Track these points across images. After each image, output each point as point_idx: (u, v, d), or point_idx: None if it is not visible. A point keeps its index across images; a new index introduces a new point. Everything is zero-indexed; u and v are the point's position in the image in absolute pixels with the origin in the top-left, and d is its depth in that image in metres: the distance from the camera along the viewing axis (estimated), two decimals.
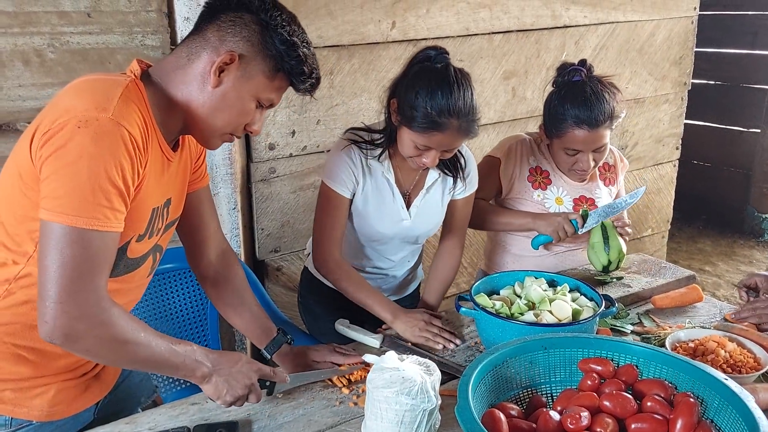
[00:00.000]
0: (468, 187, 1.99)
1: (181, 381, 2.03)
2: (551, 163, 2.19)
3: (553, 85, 2.09)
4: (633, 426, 1.24)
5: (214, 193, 2.37)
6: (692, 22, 3.70)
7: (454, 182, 1.96)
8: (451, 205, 2.00)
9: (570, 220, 2.07)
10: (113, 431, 1.39)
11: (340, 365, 1.60)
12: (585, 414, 1.23)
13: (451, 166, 1.92)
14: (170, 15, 2.16)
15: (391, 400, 1.23)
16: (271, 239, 2.57)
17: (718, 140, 5.64)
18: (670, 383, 1.32)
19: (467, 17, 2.83)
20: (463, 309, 1.74)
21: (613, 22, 3.36)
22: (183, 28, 2.15)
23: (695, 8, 3.68)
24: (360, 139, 1.84)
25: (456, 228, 2.05)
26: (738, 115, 5.44)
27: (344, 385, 1.55)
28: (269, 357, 1.61)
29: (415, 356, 1.33)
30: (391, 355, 1.29)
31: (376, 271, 2.03)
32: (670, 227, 5.30)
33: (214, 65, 1.25)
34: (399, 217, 1.91)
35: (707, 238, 5.37)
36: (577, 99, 1.97)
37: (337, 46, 2.54)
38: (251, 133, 1.37)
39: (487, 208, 2.20)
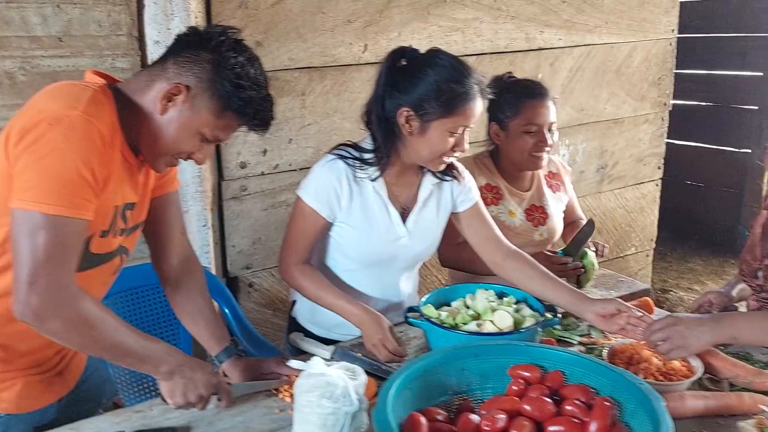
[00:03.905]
0: (471, 193, 1.94)
1: (141, 386, 2.07)
2: (498, 178, 2.28)
3: (494, 89, 2.18)
4: (550, 429, 1.27)
5: (184, 210, 2.43)
6: (671, 44, 3.76)
7: (451, 189, 1.92)
8: (471, 218, 1.93)
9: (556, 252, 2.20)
10: None
11: (287, 376, 1.65)
12: (502, 416, 1.27)
13: (445, 170, 1.88)
14: (141, 38, 2.25)
15: (313, 404, 1.28)
16: (242, 256, 2.63)
17: (709, 160, 5.66)
18: (593, 388, 1.35)
19: (439, 40, 2.90)
20: (412, 320, 1.79)
21: (588, 45, 3.42)
22: (153, 51, 2.23)
23: (673, 30, 3.74)
24: (349, 156, 1.80)
25: (501, 244, 1.92)
26: (729, 135, 5.46)
27: (289, 395, 1.59)
28: (218, 365, 1.66)
29: (343, 362, 1.38)
30: (317, 360, 1.33)
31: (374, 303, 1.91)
32: (661, 247, 5.35)
33: (162, 93, 1.34)
34: (395, 234, 1.85)
35: (698, 258, 5.36)
36: (521, 83, 2.24)
37: (309, 68, 2.62)
38: (195, 161, 1.45)
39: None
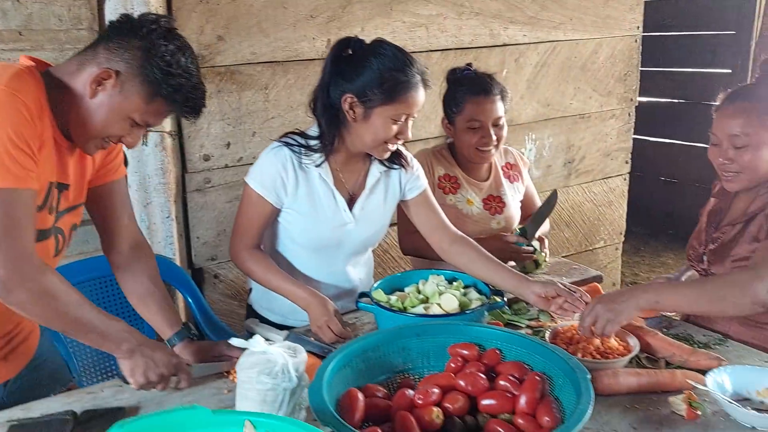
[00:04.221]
0: (419, 181, 1.99)
1: (100, 371, 2.10)
2: (456, 168, 2.34)
3: (447, 83, 2.31)
4: (483, 402, 1.32)
5: (147, 202, 2.48)
6: (636, 41, 3.82)
7: (400, 176, 1.96)
8: (418, 205, 1.99)
9: (516, 243, 2.23)
10: (9, 416, 1.46)
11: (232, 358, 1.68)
12: (435, 390, 1.32)
13: (392, 157, 1.93)
14: (101, 32, 2.27)
15: (253, 380, 1.31)
16: (207, 247, 2.66)
17: (682, 156, 5.76)
18: (527, 365, 1.40)
19: (403, 35, 2.95)
20: (361, 304, 1.84)
21: (553, 41, 3.48)
22: None
23: (638, 27, 3.80)
24: (295, 143, 1.85)
25: (448, 230, 1.97)
26: (700, 131, 5.49)
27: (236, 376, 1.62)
28: (171, 348, 1.69)
29: (286, 342, 1.42)
30: (258, 339, 1.37)
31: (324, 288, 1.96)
32: (634, 242, 5.43)
33: (92, 77, 1.38)
34: (342, 220, 1.90)
35: (670, 252, 5.45)
36: (470, 79, 2.28)
37: (272, 62, 2.65)
38: (126, 145, 1.49)
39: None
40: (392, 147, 1.83)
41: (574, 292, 1.78)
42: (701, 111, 5.58)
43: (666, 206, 5.85)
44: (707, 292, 1.64)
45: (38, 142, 1.34)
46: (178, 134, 2.51)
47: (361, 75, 1.73)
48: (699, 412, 1.40)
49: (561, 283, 1.80)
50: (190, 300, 2.33)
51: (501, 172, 2.41)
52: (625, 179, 4.12)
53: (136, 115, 1.42)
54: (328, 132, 1.81)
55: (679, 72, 5.70)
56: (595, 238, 4.06)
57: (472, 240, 1.96)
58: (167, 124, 2.43)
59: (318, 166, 1.84)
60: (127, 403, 1.51)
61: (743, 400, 1.44)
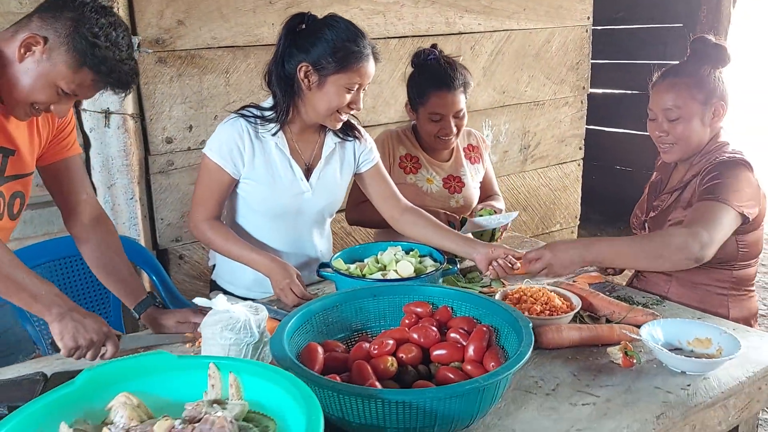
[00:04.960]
0: (371, 154, 2.08)
1: None
2: (419, 149, 2.43)
3: (412, 67, 2.38)
4: (435, 353, 1.41)
5: (111, 184, 2.52)
6: (587, 31, 3.97)
7: (354, 149, 2.05)
8: (372, 177, 2.08)
9: (449, 222, 2.26)
10: None
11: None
12: (390, 341, 1.40)
13: (346, 129, 2.02)
14: None
15: (216, 336, 1.39)
16: (171, 228, 2.71)
17: (636, 145, 5.96)
18: (476, 319, 1.50)
19: (361, 22, 2.97)
20: (322, 272, 1.92)
21: (507, 30, 3.60)
22: None
23: (589, 18, 3.95)
24: (250, 114, 1.91)
25: (399, 201, 2.07)
26: None
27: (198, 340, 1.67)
28: (138, 317, 1.75)
29: (249, 302, 1.49)
30: (221, 298, 1.44)
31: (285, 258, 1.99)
32: (591, 228, 5.60)
33: (20, 42, 1.43)
34: (299, 189, 1.96)
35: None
36: (435, 69, 2.30)
37: (232, 46, 2.71)
38: (55, 114, 1.53)
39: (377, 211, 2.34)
40: (344, 117, 1.92)
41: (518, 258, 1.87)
42: None
43: (620, 194, 6.03)
44: (645, 250, 1.77)
45: None
46: (141, 117, 2.55)
47: (316, 45, 1.81)
48: (634, 360, 1.52)
49: (509, 249, 1.90)
50: (155, 279, 2.38)
51: (462, 153, 2.51)
52: (579, 165, 4.27)
53: (63, 83, 1.46)
54: (283, 101, 1.89)
55: (631, 64, 5.90)
56: (551, 222, 4.20)
57: (421, 210, 2.07)
58: (129, 106, 2.47)
59: (274, 134, 1.91)
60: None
61: (675, 350, 1.56)
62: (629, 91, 5.99)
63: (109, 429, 1.00)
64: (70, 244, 2.26)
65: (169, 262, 2.74)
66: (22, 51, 1.43)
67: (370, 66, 1.86)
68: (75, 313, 1.49)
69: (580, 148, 4.24)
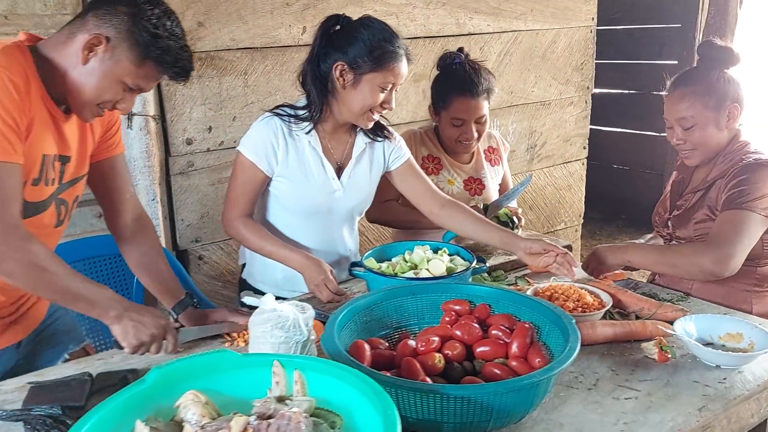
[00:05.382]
0: (401, 151, 2.10)
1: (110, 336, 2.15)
2: (440, 150, 2.46)
3: (437, 69, 2.39)
4: (478, 350, 1.44)
5: (133, 185, 2.52)
6: (591, 31, 4.02)
7: (383, 148, 2.07)
8: (404, 174, 2.10)
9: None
10: (21, 383, 1.51)
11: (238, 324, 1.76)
12: (436, 339, 1.43)
13: (376, 129, 2.05)
14: None
15: (267, 334, 1.41)
16: (191, 229, 2.72)
17: (633, 145, 6.03)
18: (515, 316, 1.53)
19: None
20: (355, 271, 1.95)
21: (515, 31, 3.64)
22: None
23: (593, 18, 4.00)
24: (284, 113, 1.94)
25: (436, 195, 2.09)
26: (650, 120, 5.81)
27: (245, 342, 1.70)
28: (175, 317, 1.77)
29: (294, 301, 1.51)
30: (269, 297, 1.46)
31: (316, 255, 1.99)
32: (591, 227, 5.66)
33: (83, 44, 1.43)
34: (331, 188, 1.98)
35: (626, 236, 5.70)
36: (459, 75, 2.31)
37: (250, 48, 2.73)
38: (120, 111, 1.56)
39: (399, 210, 2.38)
40: (376, 116, 1.94)
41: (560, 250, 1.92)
42: (650, 101, 5.86)
43: (619, 192, 6.12)
44: (665, 259, 1.93)
45: (26, 119, 1.39)
46: (161, 118, 2.57)
47: (352, 44, 1.84)
48: (669, 355, 1.55)
49: (546, 240, 1.95)
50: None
51: (483, 156, 2.54)
52: (583, 164, 4.32)
53: (128, 78, 1.47)
54: (318, 100, 1.91)
55: (629, 64, 5.96)
56: (556, 221, 4.25)
57: (460, 202, 2.10)
58: (150, 107, 2.48)
59: (307, 133, 1.94)
60: (138, 365, 1.58)
61: (707, 345, 1.60)
62: (627, 91, 6.06)
63: (186, 425, 1.02)
64: (92, 247, 2.29)
65: (189, 262, 2.75)
66: (86, 52, 1.43)
67: (404, 66, 1.89)
68: (132, 312, 1.50)
69: (585, 148, 4.29)
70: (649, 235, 2.33)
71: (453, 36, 3.38)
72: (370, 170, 2.08)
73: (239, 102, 2.73)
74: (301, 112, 1.94)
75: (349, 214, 2.09)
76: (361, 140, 2.04)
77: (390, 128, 2.12)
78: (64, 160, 1.55)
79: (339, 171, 2.02)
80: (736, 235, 1.81)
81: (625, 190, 6.09)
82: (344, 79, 1.86)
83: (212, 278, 2.80)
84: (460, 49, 2.39)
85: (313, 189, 1.98)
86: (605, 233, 5.78)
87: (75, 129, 1.58)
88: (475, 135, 2.35)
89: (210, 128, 2.68)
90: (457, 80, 2.31)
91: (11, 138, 1.35)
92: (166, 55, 1.47)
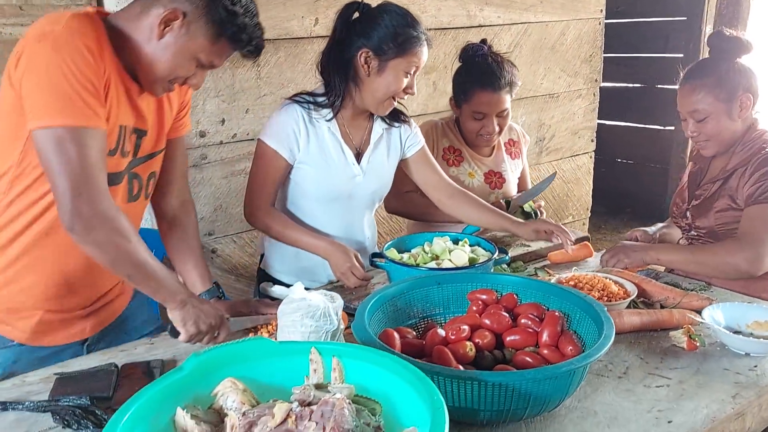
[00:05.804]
0: (417, 138, 2.12)
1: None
2: (462, 142, 2.45)
3: (460, 61, 2.37)
4: (508, 339, 1.43)
5: None
6: (599, 23, 4.01)
7: (400, 134, 2.08)
8: (418, 162, 2.13)
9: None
10: (47, 374, 1.49)
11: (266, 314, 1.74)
12: (465, 327, 1.42)
13: (393, 115, 2.05)
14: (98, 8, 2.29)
15: (297, 323, 1.40)
16: (204, 223, 2.71)
17: (638, 139, 6.02)
18: (543, 305, 1.52)
19: None
20: (377, 262, 1.93)
21: (525, 23, 3.63)
22: None
23: (602, 10, 3.99)
24: (304, 101, 1.94)
25: (447, 184, 2.14)
26: (655, 114, 5.81)
27: (268, 333, 1.69)
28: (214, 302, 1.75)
29: (322, 290, 1.50)
30: (299, 286, 1.45)
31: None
32: (596, 220, 5.65)
33: (160, 19, 1.41)
34: (351, 173, 1.99)
35: (630, 229, 5.65)
36: (481, 67, 2.28)
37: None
38: (192, 87, 1.54)
39: (419, 201, 2.35)
40: (395, 103, 1.95)
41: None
42: (655, 95, 5.86)
43: (623, 186, 6.11)
44: (696, 258, 1.92)
45: (103, 82, 1.37)
46: None
47: (376, 31, 1.83)
48: (698, 344, 1.55)
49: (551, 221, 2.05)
50: None
51: (503, 149, 2.52)
52: (591, 157, 4.31)
53: (202, 55, 1.45)
54: (339, 88, 1.91)
55: (633, 57, 5.94)
56: (564, 214, 4.24)
57: (468, 192, 2.14)
58: None
59: (328, 120, 1.94)
60: (163, 356, 1.57)
61: (735, 333, 1.59)
62: (631, 85, 6.05)
63: (229, 413, 1.01)
64: None
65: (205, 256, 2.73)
66: (162, 27, 1.41)
67: (426, 51, 1.89)
68: (195, 300, 1.50)
69: (592, 140, 4.28)
70: (660, 224, 2.32)
71: (463, 28, 3.37)
72: (388, 155, 2.08)
73: (252, 94, 2.72)
74: (320, 99, 1.94)
75: (369, 200, 2.09)
76: (378, 126, 2.05)
77: (407, 114, 2.11)
78: (140, 133, 1.54)
79: (358, 157, 2.02)
80: (766, 233, 1.82)
81: (630, 184, 6.09)
82: (369, 66, 1.86)
83: (225, 271, 2.78)
84: (483, 41, 2.36)
85: (333, 174, 1.97)
86: (610, 227, 5.78)
87: (152, 103, 1.56)
88: (497, 129, 2.33)
89: (223, 121, 2.66)
90: (479, 73, 2.28)
91: (91, 102, 1.33)
92: (242, 33, 1.45)
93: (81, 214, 1.33)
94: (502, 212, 2.11)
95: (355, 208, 2.07)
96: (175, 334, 1.53)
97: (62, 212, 1.33)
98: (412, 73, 1.88)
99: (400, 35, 1.83)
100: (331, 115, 1.94)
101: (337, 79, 1.91)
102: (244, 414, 1.01)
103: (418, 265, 1.87)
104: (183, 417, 1.00)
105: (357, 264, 1.86)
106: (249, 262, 2.82)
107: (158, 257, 2.35)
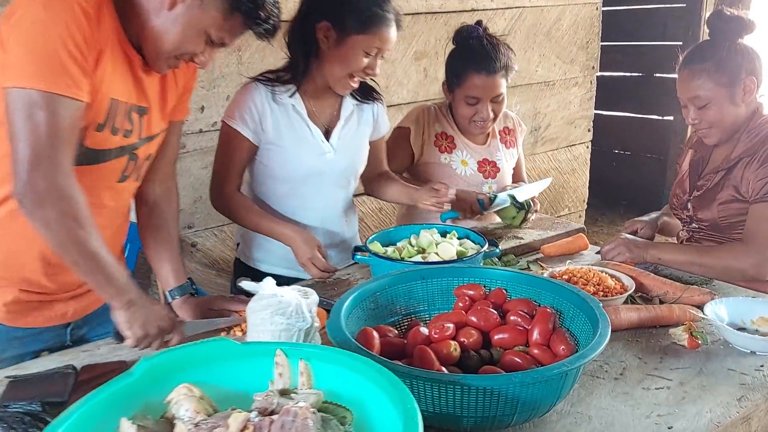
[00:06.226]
0: (386, 122, 2.08)
1: None
2: (455, 129, 2.33)
3: (453, 43, 2.25)
4: (496, 337, 1.33)
5: None
6: (597, 9, 3.90)
7: (373, 110, 2.01)
8: (375, 147, 2.08)
9: (477, 200, 2.20)
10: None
11: (238, 312, 1.64)
12: (450, 326, 1.32)
13: (365, 93, 1.98)
14: None
15: (266, 321, 1.29)
16: (184, 215, 2.59)
17: (635, 129, 5.91)
18: (534, 301, 1.42)
19: None
20: (358, 256, 1.83)
21: (519, 7, 3.52)
22: None
23: None
24: (265, 78, 1.86)
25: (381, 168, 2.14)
26: (652, 104, 5.70)
27: (242, 332, 1.59)
28: (170, 301, 1.64)
29: (296, 285, 1.40)
30: (269, 281, 1.34)
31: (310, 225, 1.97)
32: (592, 212, 5.56)
33: None
34: (321, 150, 1.90)
35: (628, 221, 5.59)
36: (476, 50, 2.16)
37: None
38: (198, 65, 1.44)
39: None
40: (355, 84, 1.85)
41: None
42: (653, 84, 5.75)
43: (620, 178, 6.01)
44: (701, 260, 1.82)
45: (95, 51, 1.27)
46: None
47: (339, 4, 1.74)
48: (700, 341, 1.45)
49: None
50: None
51: (498, 137, 2.40)
52: (587, 147, 4.21)
53: (213, 30, 1.35)
54: (301, 61, 1.82)
55: (631, 45, 5.83)
56: (560, 206, 4.14)
57: (391, 173, 2.12)
58: None
59: (291, 96, 1.85)
60: (127, 357, 1.47)
61: (739, 329, 1.49)
62: (628, 74, 5.94)
63: (177, 423, 0.91)
64: None
65: (182, 250, 2.62)
66: None
67: (392, 32, 1.79)
68: (144, 301, 1.39)
69: (589, 130, 4.18)
70: (654, 214, 2.22)
71: (455, 12, 3.26)
72: (358, 131, 2.00)
73: (233, 80, 2.61)
74: (283, 76, 1.85)
75: (342, 178, 1.99)
76: (349, 102, 1.97)
77: (378, 91, 2.04)
78: (142, 111, 1.44)
79: (327, 134, 1.93)
80: None
81: (627, 176, 5.98)
82: (328, 40, 1.77)
83: (206, 266, 2.68)
84: (479, 23, 2.23)
85: (302, 152, 1.89)
86: (606, 219, 5.68)
87: (155, 80, 1.46)
88: (491, 115, 2.21)
89: (202, 108, 2.55)
90: (474, 56, 2.15)
91: (72, 70, 1.23)
92: (258, 9, 1.35)
93: (35, 186, 1.22)
94: (407, 184, 2.07)
95: (326, 188, 1.96)
96: (119, 338, 1.40)
97: (16, 180, 1.22)
98: (374, 54, 1.78)
99: (363, 11, 1.73)
100: (293, 90, 1.85)
101: (300, 52, 1.82)
102: (196, 425, 0.91)
103: (402, 258, 1.76)
104: (128, 428, 0.90)
105: (318, 255, 1.77)
106: (230, 256, 2.70)
107: (134, 251, 2.30)
